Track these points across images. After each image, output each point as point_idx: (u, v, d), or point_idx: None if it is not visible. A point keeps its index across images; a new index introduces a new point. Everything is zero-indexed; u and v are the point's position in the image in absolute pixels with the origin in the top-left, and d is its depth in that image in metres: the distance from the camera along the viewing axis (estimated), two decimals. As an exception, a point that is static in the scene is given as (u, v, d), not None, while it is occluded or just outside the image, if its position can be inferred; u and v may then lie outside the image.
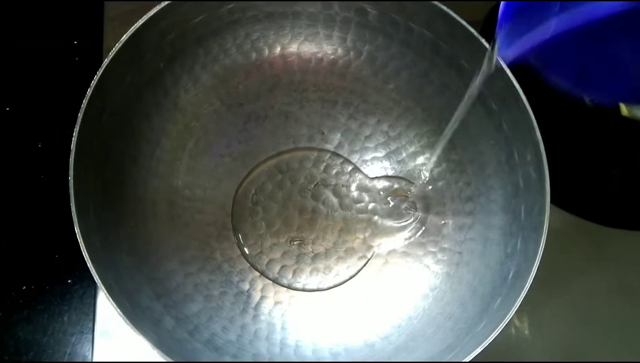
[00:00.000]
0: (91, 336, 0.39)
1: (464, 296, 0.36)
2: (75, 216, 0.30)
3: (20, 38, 0.48)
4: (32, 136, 0.44)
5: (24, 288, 0.41)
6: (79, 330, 0.40)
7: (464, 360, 0.29)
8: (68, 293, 0.41)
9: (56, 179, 0.43)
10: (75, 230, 0.30)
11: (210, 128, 0.41)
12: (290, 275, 0.39)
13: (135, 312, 0.31)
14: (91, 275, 0.39)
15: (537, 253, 0.31)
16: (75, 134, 0.31)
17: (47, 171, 0.43)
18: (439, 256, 0.39)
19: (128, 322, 0.29)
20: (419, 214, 0.40)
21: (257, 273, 0.39)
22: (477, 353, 0.30)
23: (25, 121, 0.45)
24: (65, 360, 0.39)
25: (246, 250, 0.40)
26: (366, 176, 0.42)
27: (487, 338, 0.30)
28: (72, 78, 0.46)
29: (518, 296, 0.31)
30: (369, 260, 0.40)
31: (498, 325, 0.30)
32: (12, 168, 0.44)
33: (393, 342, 0.36)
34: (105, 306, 0.40)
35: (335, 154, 0.42)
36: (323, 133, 0.43)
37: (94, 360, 0.39)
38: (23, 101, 0.46)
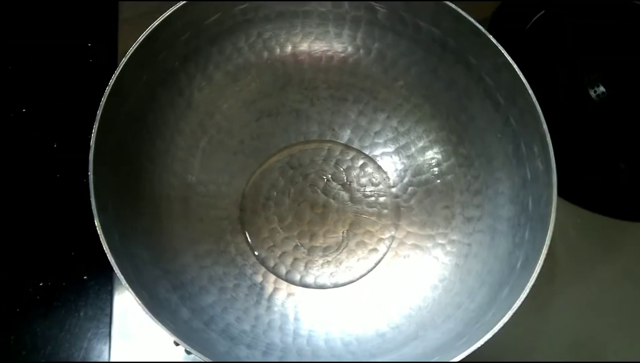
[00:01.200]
0: (107, 331, 0.40)
1: (472, 286, 0.37)
2: (95, 211, 0.31)
3: (36, 41, 0.49)
4: (48, 137, 0.45)
5: (40, 284, 0.41)
6: (95, 325, 0.41)
7: (472, 347, 0.30)
8: (84, 290, 0.41)
9: (72, 178, 0.44)
10: (96, 224, 0.31)
11: (223, 126, 0.42)
12: (302, 267, 0.40)
13: (153, 303, 0.32)
14: (106, 271, 0.41)
15: (545, 242, 0.32)
16: (94, 131, 0.32)
17: (62, 171, 0.44)
18: (448, 248, 0.40)
19: (148, 311, 0.30)
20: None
21: (270, 266, 0.40)
22: (486, 340, 0.30)
23: (41, 122, 0.46)
24: (81, 355, 0.40)
25: (254, 244, 0.41)
26: (378, 168, 0.43)
27: (495, 326, 0.30)
28: (86, 80, 0.47)
29: (526, 284, 0.31)
30: (385, 254, 0.41)
31: (506, 313, 0.30)
32: (29, 167, 0.45)
33: (403, 331, 0.37)
34: (121, 302, 0.41)
35: (346, 148, 0.43)
36: (334, 130, 0.44)
37: (111, 357, 0.40)
38: (39, 103, 0.47)
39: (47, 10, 0.50)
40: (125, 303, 0.41)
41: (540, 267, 0.32)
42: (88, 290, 0.41)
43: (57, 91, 0.47)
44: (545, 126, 0.34)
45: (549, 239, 0.32)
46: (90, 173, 0.32)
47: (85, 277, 0.42)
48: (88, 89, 0.47)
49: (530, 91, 0.34)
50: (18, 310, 0.41)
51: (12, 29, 0.49)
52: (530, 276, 0.31)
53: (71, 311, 0.41)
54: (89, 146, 0.33)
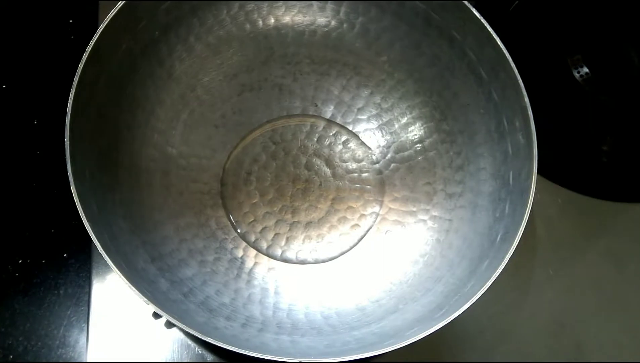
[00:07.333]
0: (87, 309, 0.40)
1: (453, 260, 0.37)
2: (71, 177, 0.31)
3: (17, 18, 0.48)
4: (28, 113, 0.45)
5: (20, 261, 0.41)
6: (75, 303, 0.40)
7: (450, 317, 0.30)
8: (64, 267, 0.41)
9: (52, 155, 0.43)
10: (72, 191, 0.31)
11: (204, 99, 0.41)
12: (283, 242, 0.40)
13: (131, 273, 0.31)
14: (87, 249, 0.40)
15: (524, 215, 0.32)
16: (71, 97, 0.32)
17: (42, 148, 0.44)
18: (430, 223, 0.40)
19: (125, 280, 0.29)
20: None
21: (251, 241, 0.40)
22: (464, 311, 0.30)
23: (21, 99, 0.45)
24: (61, 333, 0.39)
25: (235, 218, 0.40)
26: (361, 144, 0.43)
27: (473, 297, 0.30)
28: (68, 56, 0.46)
29: (505, 257, 0.31)
30: (367, 231, 0.41)
31: (484, 285, 0.31)
32: (9, 144, 0.44)
33: (383, 305, 0.37)
34: (101, 280, 0.40)
35: (329, 124, 0.43)
36: (316, 105, 0.43)
37: (89, 334, 0.39)
38: (19, 79, 0.46)
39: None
40: (105, 281, 0.40)
41: (519, 239, 0.32)
42: (68, 267, 0.41)
43: (38, 68, 0.46)
44: (526, 99, 0.34)
45: (529, 211, 0.32)
46: (66, 139, 0.31)
47: (65, 255, 0.41)
48: (69, 66, 0.46)
49: (513, 65, 0.35)
50: (-4, 287, 0.40)
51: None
52: (509, 248, 0.32)
53: (50, 288, 0.40)
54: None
